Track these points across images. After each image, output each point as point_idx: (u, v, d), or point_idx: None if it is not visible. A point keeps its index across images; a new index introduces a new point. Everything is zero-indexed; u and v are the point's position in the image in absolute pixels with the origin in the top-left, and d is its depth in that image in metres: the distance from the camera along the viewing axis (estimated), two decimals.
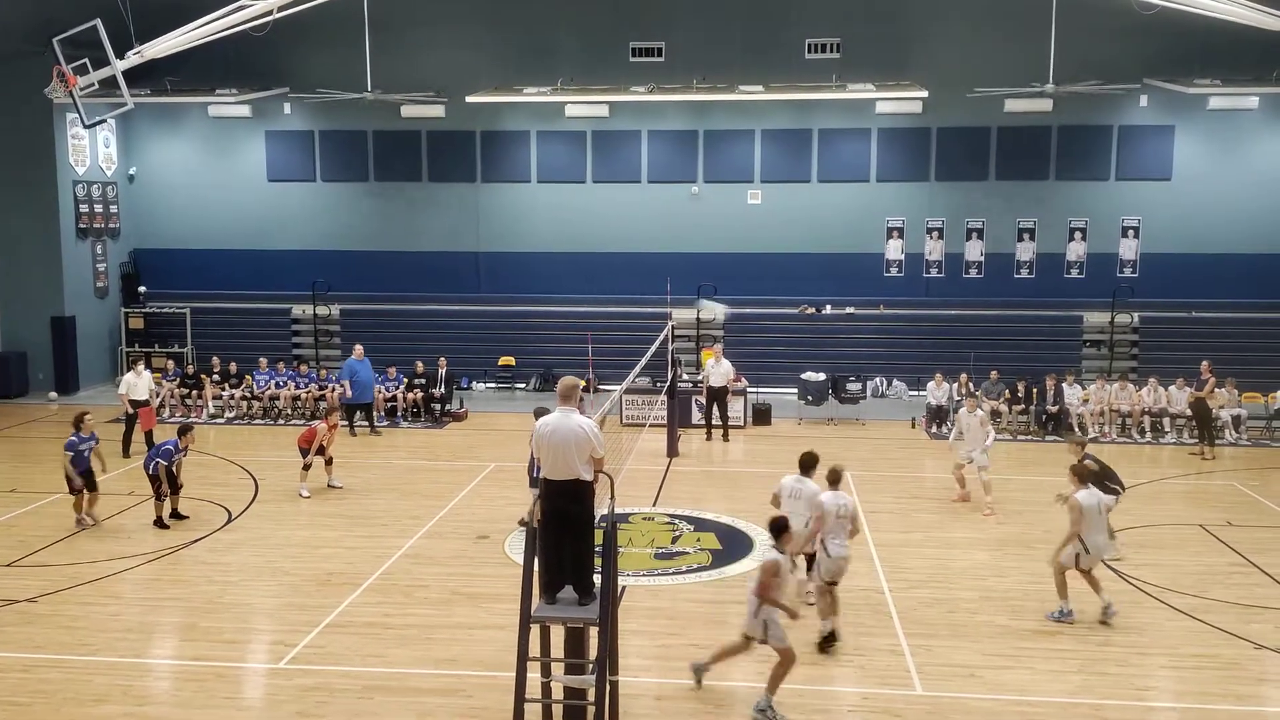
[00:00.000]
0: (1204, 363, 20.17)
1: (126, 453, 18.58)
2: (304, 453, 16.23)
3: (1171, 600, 11.94)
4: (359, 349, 21.28)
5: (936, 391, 21.35)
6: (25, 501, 15.90)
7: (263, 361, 22.75)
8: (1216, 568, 13.13)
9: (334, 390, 21.52)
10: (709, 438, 20.60)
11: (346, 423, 20.51)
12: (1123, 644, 10.79)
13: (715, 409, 20.66)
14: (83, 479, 14.65)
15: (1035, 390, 21.18)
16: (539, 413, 10.40)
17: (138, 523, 14.74)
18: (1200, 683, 10.00)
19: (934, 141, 25.03)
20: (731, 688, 9.95)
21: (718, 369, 20.61)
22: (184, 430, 15.19)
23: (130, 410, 18.90)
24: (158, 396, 22.38)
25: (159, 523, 14.52)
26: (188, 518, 14.83)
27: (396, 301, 25.82)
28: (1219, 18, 18.37)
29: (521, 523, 10.38)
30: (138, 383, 19.07)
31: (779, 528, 9.57)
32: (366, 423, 21.02)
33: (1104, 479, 12.81)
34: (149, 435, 18.71)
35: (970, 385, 21.37)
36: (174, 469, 14.74)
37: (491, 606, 11.53)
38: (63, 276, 24.46)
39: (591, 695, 8.30)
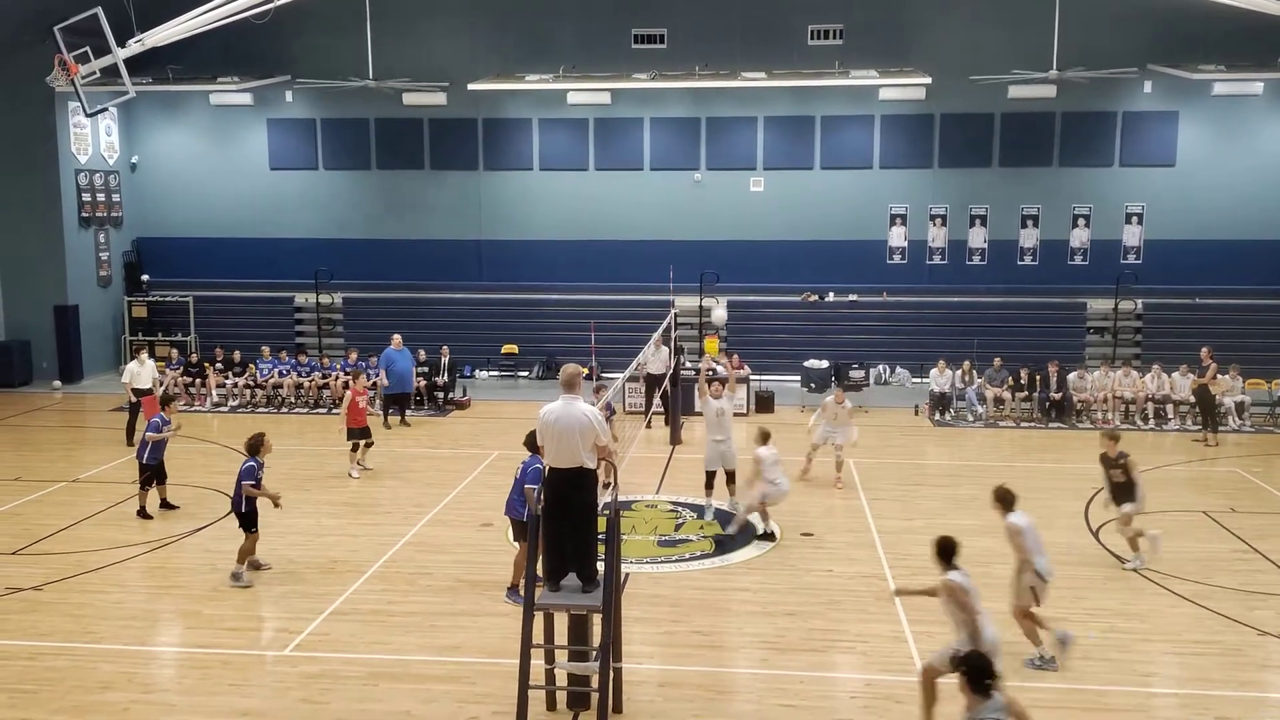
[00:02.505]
0: (1204, 349, 20.16)
1: (130, 441, 18.59)
2: (353, 434, 16.63)
3: (1174, 587, 11.95)
4: (397, 338, 20.75)
5: (939, 378, 21.36)
6: (29, 490, 15.94)
7: (266, 350, 22.76)
8: (1219, 554, 13.13)
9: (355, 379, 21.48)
10: (649, 425, 19.77)
11: (380, 413, 20.50)
12: (1125, 630, 10.80)
13: (656, 398, 19.95)
14: (152, 469, 14.64)
15: (1038, 377, 21.17)
16: (530, 443, 10.79)
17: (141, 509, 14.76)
18: (1203, 669, 10.01)
19: (937, 128, 24.96)
20: (733, 675, 9.98)
21: (658, 356, 19.96)
22: (166, 401, 15.41)
23: (133, 399, 18.91)
24: (161, 385, 22.41)
25: (142, 512, 14.51)
26: (177, 508, 14.81)
27: (399, 290, 25.81)
28: (1223, 3, 18.26)
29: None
30: (141, 371, 19.04)
31: (948, 549, 8.93)
32: (399, 414, 20.68)
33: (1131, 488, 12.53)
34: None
35: (973, 372, 21.40)
36: (162, 445, 14.72)
37: (495, 594, 11.56)
38: (66, 265, 24.48)
39: (595, 682, 8.33)
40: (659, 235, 25.19)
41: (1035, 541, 10.11)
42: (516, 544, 11.47)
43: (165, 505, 14.81)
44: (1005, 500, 10.14)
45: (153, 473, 14.62)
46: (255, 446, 12.14)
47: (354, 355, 22.65)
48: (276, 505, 12.22)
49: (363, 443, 16.84)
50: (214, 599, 11.67)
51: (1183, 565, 12.60)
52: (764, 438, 13.72)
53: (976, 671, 6.54)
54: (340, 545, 13.43)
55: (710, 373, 17.00)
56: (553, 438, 8.39)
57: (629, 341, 20.51)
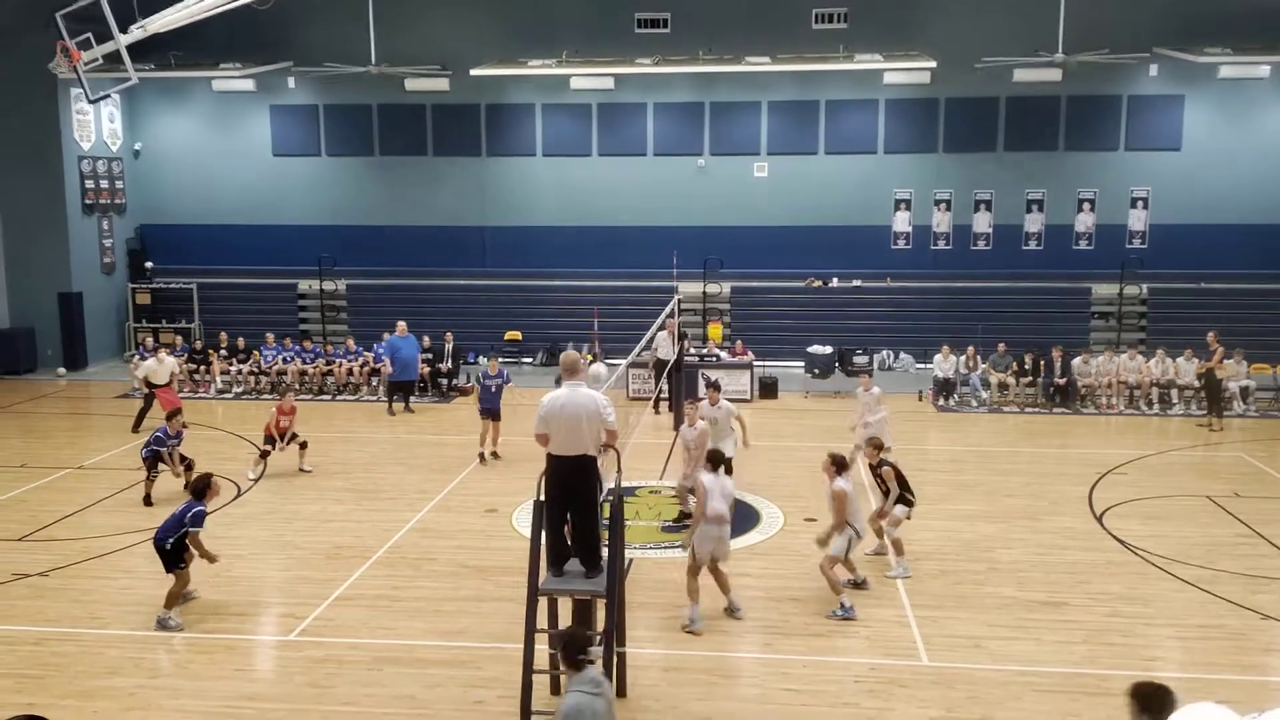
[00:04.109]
0: (1210, 334, 20.13)
1: (137, 429, 18.63)
2: (269, 439, 16.08)
3: (1178, 571, 11.95)
4: (401, 325, 20.73)
5: (943, 364, 21.33)
6: (35, 476, 15.99)
7: (270, 337, 22.78)
8: (1223, 539, 13.13)
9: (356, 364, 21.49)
10: (656, 410, 20.02)
11: (385, 400, 20.53)
12: (1129, 615, 10.81)
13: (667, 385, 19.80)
14: (146, 462, 14.64)
15: (1043, 363, 21.14)
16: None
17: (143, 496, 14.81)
18: (1206, 653, 10.02)
19: (942, 112, 24.86)
20: (738, 659, 10.01)
21: (667, 341, 19.93)
22: (171, 415, 15.31)
23: (147, 390, 18.93)
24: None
25: (147, 500, 14.51)
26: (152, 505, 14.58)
27: (402, 276, 25.80)
28: None
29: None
30: (159, 369, 18.98)
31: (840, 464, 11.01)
32: (404, 401, 20.64)
33: (903, 489, 12.12)
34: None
35: (977, 358, 21.37)
36: (170, 455, 14.81)
37: (500, 579, 11.59)
38: (69, 252, 24.51)
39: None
40: (663, 221, 25.14)
41: (858, 505, 11.09)
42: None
43: (147, 500, 14.58)
44: (839, 465, 11.04)
45: (148, 465, 14.65)
46: (201, 490, 10.93)
47: (351, 342, 22.74)
48: (212, 562, 10.92)
49: (298, 445, 16.27)
50: (219, 584, 11.70)
51: (1187, 550, 12.60)
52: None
53: (572, 647, 6.66)
54: (345, 531, 13.47)
55: (706, 380, 15.77)
56: (560, 425, 8.32)
57: (633, 328, 20.47)
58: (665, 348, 19.99)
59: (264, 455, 16.03)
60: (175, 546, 10.66)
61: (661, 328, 19.58)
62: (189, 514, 10.68)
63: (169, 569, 10.71)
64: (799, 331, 23.87)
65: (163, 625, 10.50)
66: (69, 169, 24.39)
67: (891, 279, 25.03)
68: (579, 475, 8.40)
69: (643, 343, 17.14)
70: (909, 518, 12.24)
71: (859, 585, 11.34)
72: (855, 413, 16.15)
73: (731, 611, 10.74)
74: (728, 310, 25.06)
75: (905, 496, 12.10)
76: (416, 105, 25.83)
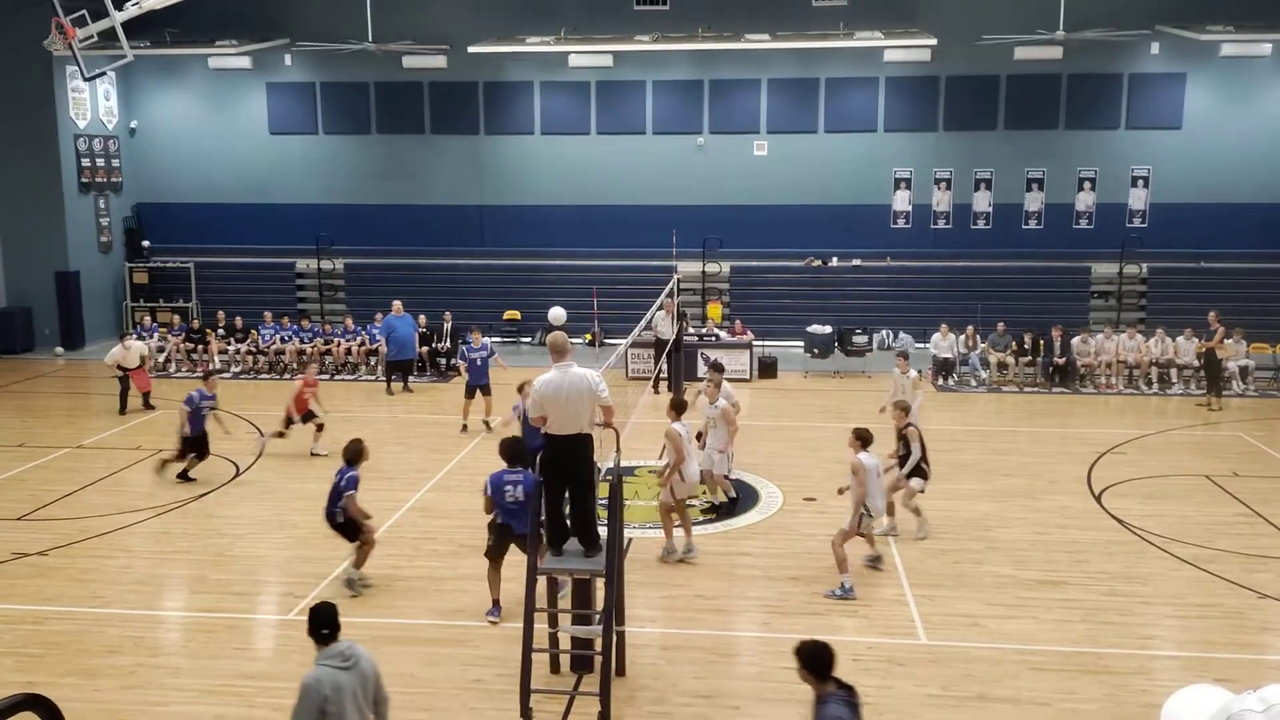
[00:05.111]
0: (1212, 313, 20.10)
1: (124, 410, 18.60)
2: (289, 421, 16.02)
3: (1176, 550, 11.97)
4: (397, 304, 20.63)
5: (942, 343, 21.31)
6: (34, 456, 15.99)
7: (268, 316, 22.74)
8: (1222, 518, 13.15)
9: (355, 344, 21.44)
10: (656, 390, 19.87)
11: (383, 379, 20.51)
12: (1127, 594, 10.84)
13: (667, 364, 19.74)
14: (195, 441, 14.61)
15: (1042, 342, 21.12)
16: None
17: (146, 476, 14.81)
18: (1204, 632, 10.05)
19: (942, 91, 24.73)
20: (737, 637, 10.04)
21: (666, 321, 19.84)
22: (208, 375, 15.54)
23: (120, 373, 18.89)
24: (162, 352, 22.46)
25: (183, 475, 14.54)
26: (194, 480, 14.68)
27: (400, 255, 25.71)
28: None
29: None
30: (127, 355, 18.92)
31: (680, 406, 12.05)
32: (402, 381, 20.56)
33: (923, 457, 12.37)
34: (146, 397, 18.83)
35: (977, 337, 21.35)
36: (216, 415, 14.88)
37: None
38: (66, 231, 24.40)
39: (598, 645, 8.37)
40: (662, 200, 25.04)
41: (875, 483, 10.97)
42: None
43: (185, 476, 14.60)
44: (863, 439, 11.03)
45: (193, 446, 14.55)
46: (355, 455, 10.81)
47: (350, 322, 22.68)
48: (367, 519, 10.96)
49: (314, 426, 16.12)
50: (219, 564, 11.73)
51: (1185, 529, 12.63)
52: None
53: (314, 620, 6.43)
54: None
55: (707, 361, 15.69)
56: (556, 406, 8.35)
57: (632, 307, 20.43)
58: (664, 327, 19.95)
59: (279, 434, 15.85)
60: (346, 517, 10.68)
61: (660, 307, 19.55)
62: (344, 479, 10.63)
63: (351, 539, 10.85)
64: (798, 311, 23.83)
65: (350, 585, 10.72)
66: (65, 147, 24.27)
67: (891, 258, 24.96)
68: (574, 454, 8.42)
69: (642, 324, 17.11)
70: (924, 490, 12.30)
71: (874, 562, 11.38)
72: (889, 393, 15.78)
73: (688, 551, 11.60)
74: (727, 290, 25.01)
75: (921, 466, 12.28)
76: (414, 83, 25.67)
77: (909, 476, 12.35)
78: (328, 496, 10.83)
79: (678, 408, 11.95)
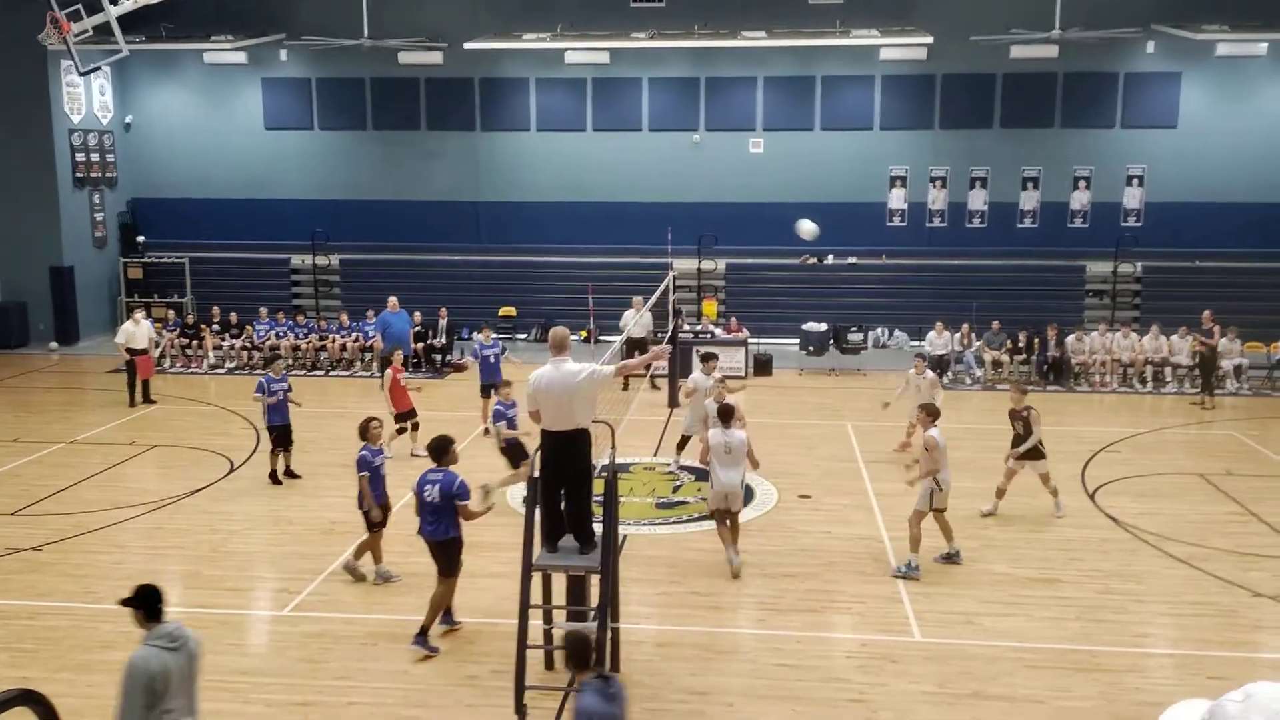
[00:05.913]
0: (1206, 312, 20.13)
1: (133, 402, 18.60)
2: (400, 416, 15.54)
3: (1170, 549, 11.99)
4: (393, 300, 20.48)
5: (938, 341, 21.32)
6: (28, 451, 15.95)
7: (263, 311, 22.71)
8: (1216, 516, 13.18)
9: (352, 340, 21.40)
10: (654, 386, 19.95)
11: (378, 375, 20.43)
12: (1121, 592, 10.86)
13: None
14: (280, 432, 14.25)
15: (1037, 340, 21.15)
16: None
17: (140, 471, 14.79)
18: (1198, 630, 10.08)
19: (938, 89, 24.74)
20: (731, 634, 10.04)
21: (640, 320, 19.72)
22: (270, 361, 15.11)
23: (127, 357, 18.87)
24: (158, 346, 22.39)
25: (272, 476, 14.28)
26: (299, 477, 14.38)
27: (396, 251, 25.65)
28: None
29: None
30: (136, 331, 18.95)
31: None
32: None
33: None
34: (145, 384, 18.78)
35: (972, 335, 21.37)
36: (284, 400, 14.34)
37: (494, 555, 11.57)
38: (61, 226, 24.33)
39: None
40: (657, 197, 25.02)
41: (946, 457, 11.25)
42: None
43: (289, 473, 14.34)
44: (932, 414, 11.47)
45: (278, 435, 14.30)
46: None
47: (345, 317, 22.63)
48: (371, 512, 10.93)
49: (409, 424, 15.66)
50: (213, 560, 11.71)
51: (1179, 528, 12.65)
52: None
53: (144, 602, 6.37)
54: (339, 507, 13.41)
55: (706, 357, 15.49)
56: (549, 402, 8.37)
57: (627, 305, 20.43)
58: (635, 325, 19.81)
59: (400, 431, 15.38)
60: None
61: (629, 307, 19.49)
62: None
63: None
64: (794, 308, 23.84)
65: (383, 578, 11.01)
66: (59, 142, 24.19)
67: (887, 256, 24.98)
68: (570, 450, 8.42)
69: (622, 337, 16.96)
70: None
71: (951, 558, 11.42)
72: (896, 390, 15.96)
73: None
74: (722, 287, 25.02)
75: (1038, 448, 12.96)
76: (410, 79, 25.62)
77: (1022, 458, 12.92)
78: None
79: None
